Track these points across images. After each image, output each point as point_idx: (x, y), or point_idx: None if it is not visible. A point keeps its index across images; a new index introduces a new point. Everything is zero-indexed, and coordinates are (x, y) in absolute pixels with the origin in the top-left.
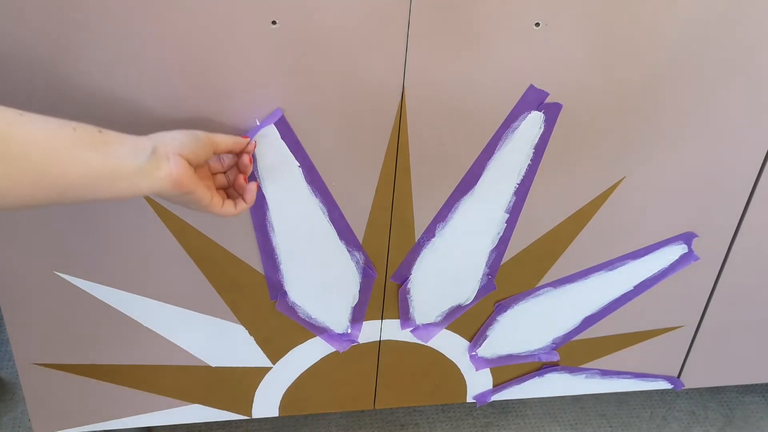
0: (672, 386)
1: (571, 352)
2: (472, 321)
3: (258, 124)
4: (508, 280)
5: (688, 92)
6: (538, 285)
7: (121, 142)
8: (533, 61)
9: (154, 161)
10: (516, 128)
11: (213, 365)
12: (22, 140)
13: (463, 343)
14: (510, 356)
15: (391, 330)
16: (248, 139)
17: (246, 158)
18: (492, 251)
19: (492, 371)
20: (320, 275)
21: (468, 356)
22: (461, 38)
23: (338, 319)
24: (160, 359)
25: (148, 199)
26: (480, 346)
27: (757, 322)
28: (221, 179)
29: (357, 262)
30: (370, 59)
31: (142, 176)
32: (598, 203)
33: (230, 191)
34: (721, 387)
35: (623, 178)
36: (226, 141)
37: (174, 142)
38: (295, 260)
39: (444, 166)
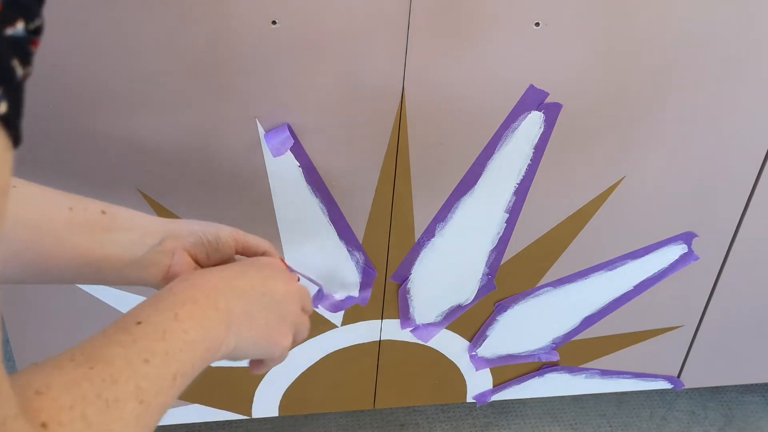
0: (672, 386)
1: (571, 352)
2: (472, 321)
3: (264, 133)
4: (508, 280)
5: (688, 92)
6: (538, 285)
7: (127, 229)
8: (533, 61)
9: (156, 254)
10: (516, 128)
11: (213, 365)
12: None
13: (463, 343)
14: (510, 356)
15: (391, 330)
16: (280, 256)
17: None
18: (492, 251)
19: (492, 371)
20: (320, 275)
21: (468, 356)
22: (461, 38)
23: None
24: None
25: (147, 198)
26: (480, 346)
27: (757, 322)
28: None
29: (357, 262)
30: (370, 59)
31: (135, 268)
32: (598, 203)
33: None
34: (721, 387)
35: (623, 178)
36: (257, 245)
37: (189, 237)
38: (297, 259)
39: (444, 166)
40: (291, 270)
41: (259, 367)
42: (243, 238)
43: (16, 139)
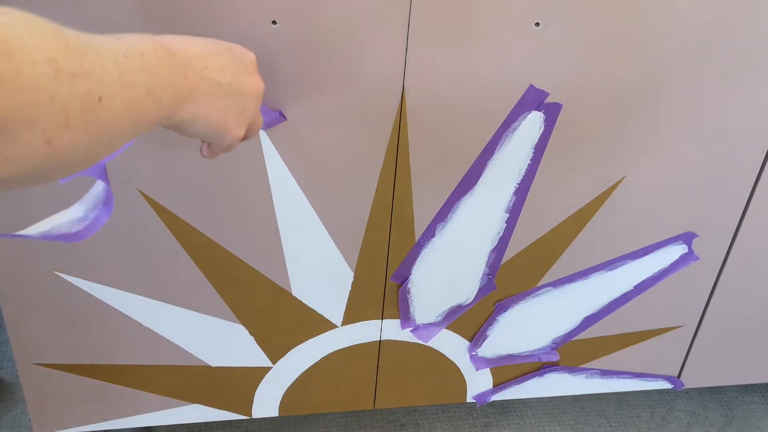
0: (672, 386)
1: (571, 352)
2: (472, 321)
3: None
4: (508, 280)
5: (688, 92)
6: (538, 285)
7: None
8: (533, 61)
9: None
10: (516, 128)
11: (213, 365)
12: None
13: (463, 343)
14: (510, 356)
15: (391, 330)
16: None
17: None
18: (492, 251)
19: (492, 371)
20: (320, 273)
21: (468, 356)
22: (461, 38)
23: (335, 311)
24: (160, 359)
25: (148, 198)
26: (480, 346)
27: (757, 322)
28: None
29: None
30: (370, 59)
31: None
32: (598, 203)
33: None
34: (721, 387)
35: (623, 178)
36: None
37: None
38: (297, 259)
39: (444, 166)
40: None
41: (209, 151)
42: None
43: None
